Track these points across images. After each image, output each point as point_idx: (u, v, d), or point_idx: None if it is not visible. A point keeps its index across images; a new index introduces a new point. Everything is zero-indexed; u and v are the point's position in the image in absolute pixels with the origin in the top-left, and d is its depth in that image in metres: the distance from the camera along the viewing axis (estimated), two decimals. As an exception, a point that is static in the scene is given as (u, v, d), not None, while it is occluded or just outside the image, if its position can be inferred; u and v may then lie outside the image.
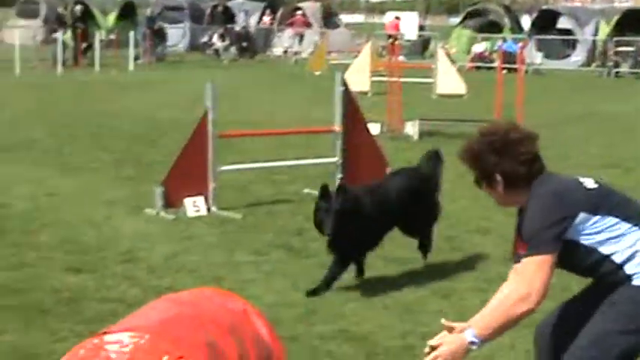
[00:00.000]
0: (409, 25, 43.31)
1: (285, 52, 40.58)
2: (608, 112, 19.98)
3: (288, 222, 9.03)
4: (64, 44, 31.05)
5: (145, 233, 8.51)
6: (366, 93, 21.42)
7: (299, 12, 41.72)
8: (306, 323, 6.10)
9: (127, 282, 6.95)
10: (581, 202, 3.84)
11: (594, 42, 35.16)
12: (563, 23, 36.20)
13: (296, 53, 39.59)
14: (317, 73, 29.51)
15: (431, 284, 7.04)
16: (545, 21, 36.40)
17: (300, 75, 29.55)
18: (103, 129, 15.82)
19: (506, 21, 38.41)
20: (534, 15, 39.72)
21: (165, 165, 9.75)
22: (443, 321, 3.91)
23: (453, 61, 25.82)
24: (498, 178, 3.95)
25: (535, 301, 3.74)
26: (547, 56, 34.91)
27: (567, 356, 3.94)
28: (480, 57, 35.10)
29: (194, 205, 9.27)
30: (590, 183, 3.96)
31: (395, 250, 7.97)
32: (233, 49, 38.68)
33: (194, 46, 42.43)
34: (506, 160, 3.91)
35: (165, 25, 38.64)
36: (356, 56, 26.52)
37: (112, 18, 41.41)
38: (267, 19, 43.46)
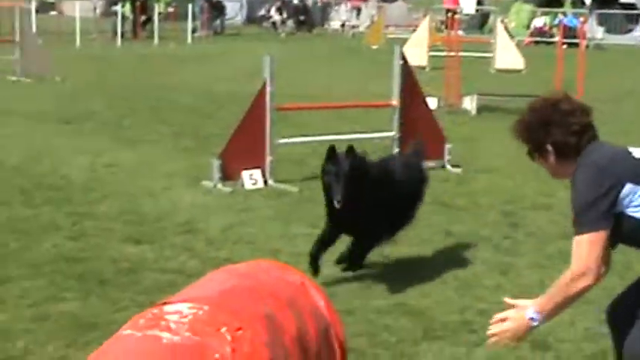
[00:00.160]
0: (468, -1, 42.80)
1: (343, 25, 40.43)
2: (670, 88, 19.61)
3: (344, 195, 9.00)
4: (123, 17, 31.31)
5: (202, 205, 8.56)
6: (423, 67, 21.31)
7: (356, -14, 41.54)
8: (363, 297, 6.09)
9: (186, 253, 7.00)
10: (628, 173, 3.75)
11: (658, 17, 34.52)
12: (626, -2, 35.57)
13: (353, 27, 39.44)
14: (374, 47, 29.39)
15: (489, 260, 6.98)
16: (608, -5, 35.80)
17: (357, 49, 29.45)
18: (162, 102, 15.95)
19: (568, -5, 37.82)
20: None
21: (222, 138, 9.78)
22: (505, 298, 3.93)
23: (511, 36, 25.55)
24: (549, 148, 3.93)
25: (591, 279, 3.70)
26: (608, 31, 34.34)
27: (628, 342, 3.88)
28: (540, 31, 34.65)
29: (251, 178, 9.30)
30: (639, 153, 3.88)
31: (454, 225, 7.93)
32: (290, 23, 38.66)
33: (251, 19, 42.49)
34: (557, 130, 3.89)
35: (223, -2, 38.73)
36: (413, 30, 26.38)
37: (170, -9, 41.63)
38: (324, -8, 43.36)
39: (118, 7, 30.83)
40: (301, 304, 3.43)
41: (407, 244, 7.25)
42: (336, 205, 6.01)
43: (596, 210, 3.71)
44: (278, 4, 39.33)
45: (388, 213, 6.44)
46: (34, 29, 24.79)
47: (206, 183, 9.28)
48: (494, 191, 9.34)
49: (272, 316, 3.16)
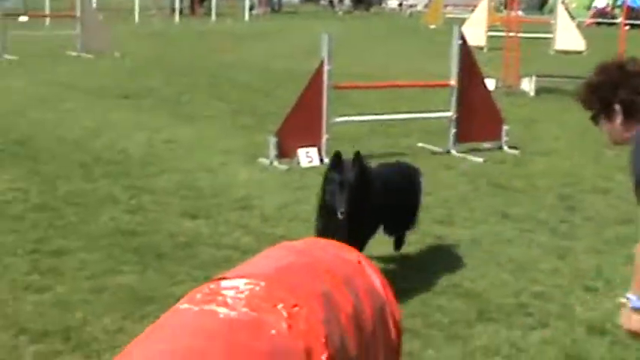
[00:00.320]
0: (528, -22, 42.29)
1: (400, 4, 40.27)
2: None
3: (400, 175, 8.98)
4: (182, -7, 31.47)
5: (258, 182, 8.60)
6: (482, 48, 21.12)
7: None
8: (417, 278, 6.07)
9: (241, 229, 7.04)
10: None
11: None
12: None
13: (411, 6, 39.23)
14: (432, 26, 29.20)
15: (545, 243, 6.91)
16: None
17: (414, 28, 29.28)
18: (220, 79, 16.02)
19: (631, -24, 37.16)
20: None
21: (279, 115, 9.80)
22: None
23: (572, 17, 25.18)
24: (617, 107, 3.88)
25: None
26: (673, 12, 33.67)
27: None
28: (602, 12, 34.13)
29: (307, 156, 9.32)
30: None
31: (510, 207, 7.87)
32: (348, 1, 38.56)
33: (309, -3, 42.47)
34: (624, 89, 3.85)
35: (281, -24, 38.75)
36: (472, 10, 26.12)
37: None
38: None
39: (177, -16, 30.98)
40: (358, 283, 3.42)
41: (462, 225, 7.22)
42: (339, 216, 5.68)
43: None
44: (336, -18, 39.28)
45: (384, 223, 6.23)
46: (94, 5, 25.04)
47: (262, 160, 9.31)
48: (552, 174, 9.25)
49: (328, 294, 3.16)
